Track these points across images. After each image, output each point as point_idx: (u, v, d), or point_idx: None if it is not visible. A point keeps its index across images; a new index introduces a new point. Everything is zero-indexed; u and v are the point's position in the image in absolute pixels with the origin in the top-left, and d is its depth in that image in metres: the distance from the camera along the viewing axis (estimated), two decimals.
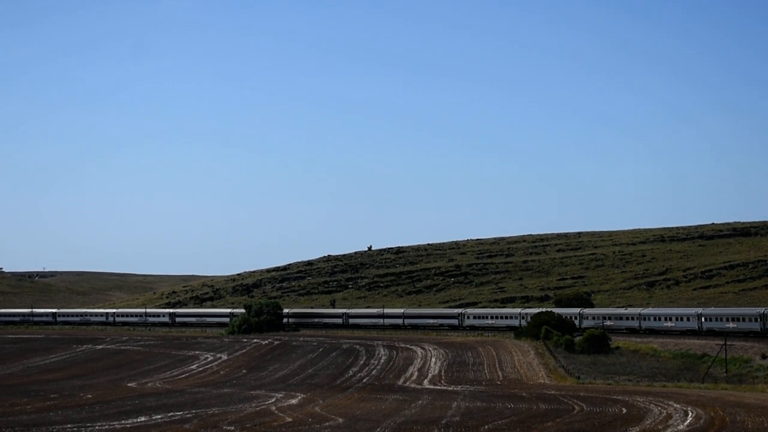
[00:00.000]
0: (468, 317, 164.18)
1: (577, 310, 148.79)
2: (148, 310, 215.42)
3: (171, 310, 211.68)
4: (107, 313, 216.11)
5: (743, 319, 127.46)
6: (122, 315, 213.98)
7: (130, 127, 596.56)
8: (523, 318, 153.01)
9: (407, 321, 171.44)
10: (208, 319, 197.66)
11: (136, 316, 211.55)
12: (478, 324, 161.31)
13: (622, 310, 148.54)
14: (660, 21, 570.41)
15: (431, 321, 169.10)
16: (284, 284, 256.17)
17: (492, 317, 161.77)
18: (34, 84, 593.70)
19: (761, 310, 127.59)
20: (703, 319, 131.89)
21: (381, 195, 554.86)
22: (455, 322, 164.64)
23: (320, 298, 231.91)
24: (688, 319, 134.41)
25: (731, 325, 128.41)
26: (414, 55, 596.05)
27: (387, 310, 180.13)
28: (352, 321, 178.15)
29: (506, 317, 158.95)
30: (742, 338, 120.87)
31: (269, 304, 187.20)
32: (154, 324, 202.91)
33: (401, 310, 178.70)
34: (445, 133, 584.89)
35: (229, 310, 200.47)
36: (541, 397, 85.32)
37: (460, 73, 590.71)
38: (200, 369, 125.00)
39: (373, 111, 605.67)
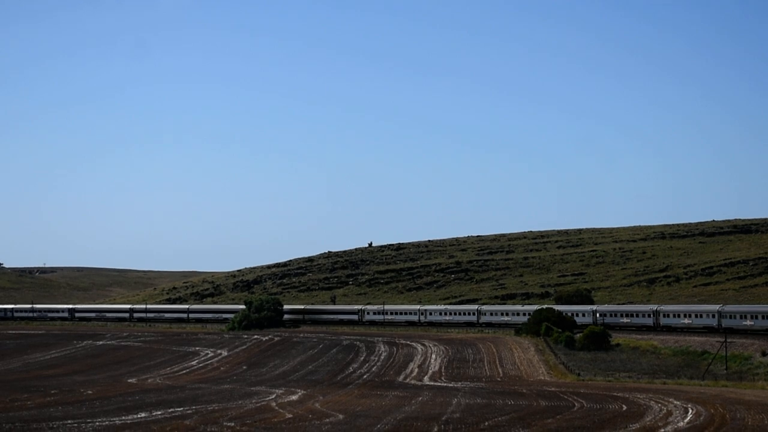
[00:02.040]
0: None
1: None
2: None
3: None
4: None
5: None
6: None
7: (131, 125, 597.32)
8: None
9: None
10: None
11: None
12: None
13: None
14: (660, 20, 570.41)
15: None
16: (285, 280, 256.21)
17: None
18: (34, 82, 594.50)
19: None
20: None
21: (381, 191, 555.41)
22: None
23: (320, 295, 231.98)
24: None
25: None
26: (415, 54, 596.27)
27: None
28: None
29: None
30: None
31: (269, 300, 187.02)
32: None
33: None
34: (446, 130, 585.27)
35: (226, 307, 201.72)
36: (542, 393, 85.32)
37: (461, 71, 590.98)
38: (201, 365, 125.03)
39: (373, 108, 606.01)
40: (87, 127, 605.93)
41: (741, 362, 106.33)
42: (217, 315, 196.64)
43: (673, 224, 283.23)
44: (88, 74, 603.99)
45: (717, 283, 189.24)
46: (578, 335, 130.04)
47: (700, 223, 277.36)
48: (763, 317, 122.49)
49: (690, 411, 70.01)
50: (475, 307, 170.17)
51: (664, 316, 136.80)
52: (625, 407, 73.09)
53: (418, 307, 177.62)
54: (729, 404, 73.36)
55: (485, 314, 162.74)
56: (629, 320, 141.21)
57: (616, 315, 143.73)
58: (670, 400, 77.38)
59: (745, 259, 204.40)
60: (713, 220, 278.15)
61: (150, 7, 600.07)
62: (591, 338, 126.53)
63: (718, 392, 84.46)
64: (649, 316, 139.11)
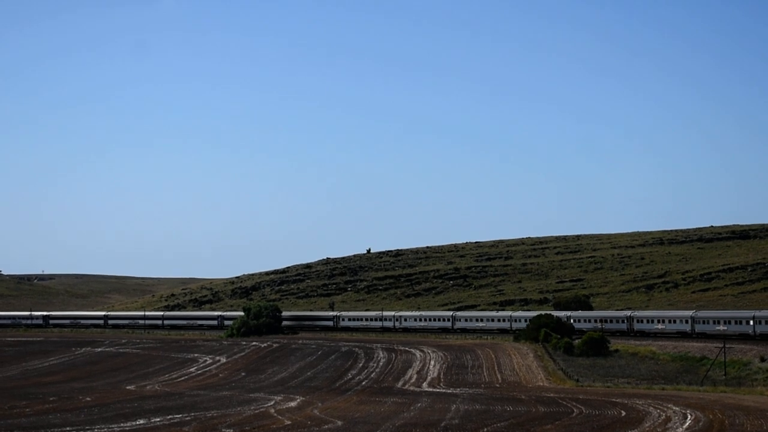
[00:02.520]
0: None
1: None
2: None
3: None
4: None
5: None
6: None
7: (129, 129, 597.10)
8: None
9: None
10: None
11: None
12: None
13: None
14: (660, 23, 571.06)
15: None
16: (283, 287, 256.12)
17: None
18: (33, 84, 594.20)
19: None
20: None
21: (380, 197, 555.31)
22: (449, 324, 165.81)
23: (319, 301, 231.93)
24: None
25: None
26: (413, 57, 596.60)
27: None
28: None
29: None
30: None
31: (268, 306, 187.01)
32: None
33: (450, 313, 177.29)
34: (445, 135, 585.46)
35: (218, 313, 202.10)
36: (540, 399, 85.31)
37: (460, 74, 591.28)
38: (199, 372, 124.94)
39: (372, 113, 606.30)
40: (85, 131, 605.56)
41: (740, 368, 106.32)
42: (192, 321, 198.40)
43: (671, 230, 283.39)
44: (87, 76, 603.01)
45: (715, 288, 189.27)
46: (577, 341, 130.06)
47: (699, 228, 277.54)
48: (735, 322, 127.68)
49: (689, 417, 70.02)
50: (449, 313, 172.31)
51: (637, 321, 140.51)
52: (624, 413, 73.09)
53: (392, 313, 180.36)
54: (728, 410, 73.37)
55: (460, 320, 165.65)
56: (601, 325, 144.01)
57: (589, 321, 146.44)
58: (669, 405, 77.39)
59: (744, 264, 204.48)
60: (711, 226, 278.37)
61: (150, 7, 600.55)
62: (590, 344, 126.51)
63: (717, 398, 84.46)
64: (622, 321, 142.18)
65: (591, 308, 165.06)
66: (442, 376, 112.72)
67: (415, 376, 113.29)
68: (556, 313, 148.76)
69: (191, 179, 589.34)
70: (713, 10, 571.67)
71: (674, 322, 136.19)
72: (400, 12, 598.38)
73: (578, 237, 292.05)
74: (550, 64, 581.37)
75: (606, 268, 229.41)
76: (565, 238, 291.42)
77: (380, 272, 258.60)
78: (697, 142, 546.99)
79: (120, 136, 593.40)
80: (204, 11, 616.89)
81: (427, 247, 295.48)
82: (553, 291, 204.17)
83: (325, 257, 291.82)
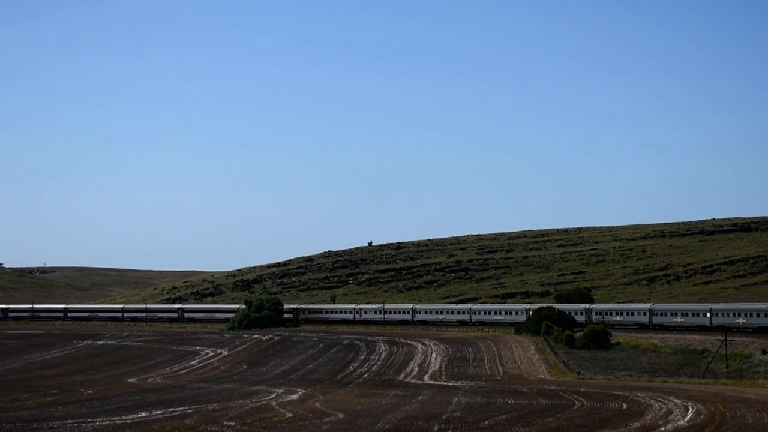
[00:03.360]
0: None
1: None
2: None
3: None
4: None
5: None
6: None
7: (131, 124, 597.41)
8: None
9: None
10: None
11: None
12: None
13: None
14: (661, 18, 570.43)
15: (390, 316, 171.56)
16: (285, 280, 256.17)
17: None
18: (34, 80, 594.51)
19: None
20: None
21: (381, 190, 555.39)
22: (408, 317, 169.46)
23: (321, 294, 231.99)
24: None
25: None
26: (415, 52, 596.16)
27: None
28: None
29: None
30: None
31: (269, 299, 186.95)
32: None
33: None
34: (446, 129, 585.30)
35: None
36: (542, 392, 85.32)
37: (461, 69, 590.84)
38: (201, 364, 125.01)
39: (373, 107, 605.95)
40: (86, 126, 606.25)
41: (741, 360, 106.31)
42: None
43: (672, 223, 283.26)
44: (88, 72, 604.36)
45: (717, 281, 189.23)
46: (578, 334, 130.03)
47: (700, 221, 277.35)
48: (684, 314, 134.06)
49: (690, 409, 70.01)
50: (410, 305, 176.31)
51: (596, 313, 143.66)
52: (625, 406, 73.09)
53: (352, 306, 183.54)
54: (729, 402, 73.35)
55: (419, 312, 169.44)
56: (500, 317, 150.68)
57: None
58: (671, 398, 77.38)
59: (745, 257, 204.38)
60: (713, 219, 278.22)
61: (150, 5, 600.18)
62: (591, 337, 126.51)
63: (719, 390, 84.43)
64: (581, 313, 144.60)
65: (593, 301, 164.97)
66: (443, 369, 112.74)
67: (416, 369, 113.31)
68: (558, 306, 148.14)
69: (193, 173, 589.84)
70: (713, 6, 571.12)
71: (632, 314, 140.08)
72: (402, 8, 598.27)
73: (580, 230, 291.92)
74: (550, 60, 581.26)
75: (607, 261, 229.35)
76: (566, 231, 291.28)
77: (382, 265, 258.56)
78: (698, 135, 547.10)
79: (121, 131, 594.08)
80: (203, 9, 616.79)
81: (429, 240, 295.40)
82: (555, 284, 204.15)
83: (326, 250, 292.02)
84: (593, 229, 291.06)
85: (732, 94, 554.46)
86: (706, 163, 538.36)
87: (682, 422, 63.91)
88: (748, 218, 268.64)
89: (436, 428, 61.64)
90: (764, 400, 74.65)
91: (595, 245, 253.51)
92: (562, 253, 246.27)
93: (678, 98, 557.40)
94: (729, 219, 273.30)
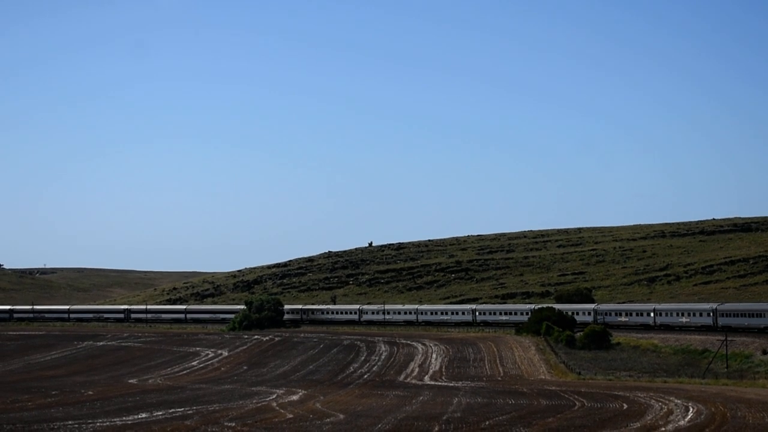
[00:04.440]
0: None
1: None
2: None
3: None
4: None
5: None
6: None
7: (131, 125, 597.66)
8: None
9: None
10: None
11: None
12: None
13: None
14: (660, 18, 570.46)
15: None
16: (285, 280, 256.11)
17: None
18: (34, 81, 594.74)
19: None
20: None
21: (382, 191, 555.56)
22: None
23: (321, 294, 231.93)
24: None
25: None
26: (414, 52, 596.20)
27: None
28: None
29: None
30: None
31: (270, 300, 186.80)
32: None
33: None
34: (446, 129, 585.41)
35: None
36: (542, 392, 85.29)
37: (460, 70, 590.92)
38: (201, 365, 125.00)
39: (373, 108, 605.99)
40: (87, 127, 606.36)
41: (742, 361, 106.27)
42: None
43: (673, 223, 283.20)
44: (88, 73, 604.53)
45: (717, 281, 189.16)
46: (579, 334, 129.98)
47: (701, 221, 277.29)
48: (636, 314, 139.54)
49: (691, 409, 69.99)
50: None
51: (599, 314, 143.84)
52: (625, 406, 73.06)
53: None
54: (730, 402, 73.32)
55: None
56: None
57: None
58: (671, 398, 77.35)
59: (746, 257, 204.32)
60: (713, 219, 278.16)
61: (150, 6, 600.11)
62: (591, 337, 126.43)
63: (719, 391, 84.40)
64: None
65: (593, 301, 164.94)
66: (444, 370, 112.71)
67: (417, 370, 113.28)
68: (556, 306, 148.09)
69: (193, 173, 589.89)
70: (712, 5, 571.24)
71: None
72: (403, 9, 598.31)
73: (580, 230, 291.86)
74: (549, 60, 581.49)
75: (608, 261, 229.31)
76: (566, 231, 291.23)
77: (382, 265, 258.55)
78: (698, 135, 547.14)
79: (121, 132, 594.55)
80: (203, 10, 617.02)
81: (429, 241, 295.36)
82: (555, 284, 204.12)
83: (326, 251, 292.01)
84: (593, 229, 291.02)
85: (732, 94, 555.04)
86: (706, 163, 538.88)
87: (682, 422, 63.88)
88: (749, 218, 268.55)
89: (436, 429, 61.62)
90: (765, 400, 74.61)
91: (596, 245, 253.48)
92: (562, 254, 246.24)
93: (678, 98, 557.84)
94: (729, 219, 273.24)
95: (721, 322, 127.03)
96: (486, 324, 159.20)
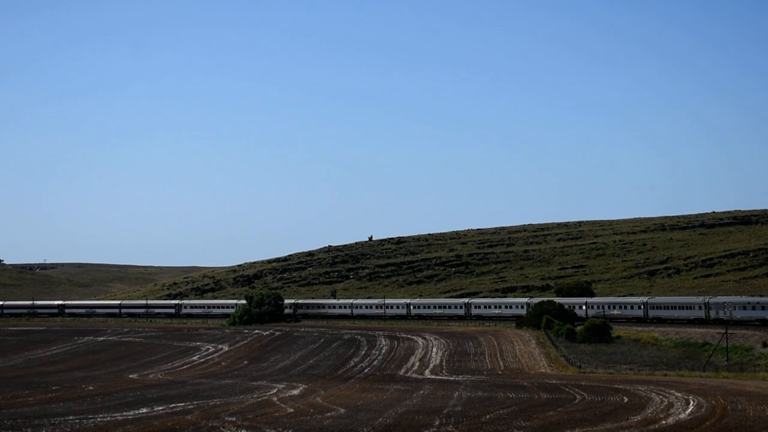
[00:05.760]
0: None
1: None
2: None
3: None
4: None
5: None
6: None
7: (130, 120, 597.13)
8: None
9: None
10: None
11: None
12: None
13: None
14: (660, 12, 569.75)
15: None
16: (285, 275, 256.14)
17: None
18: (34, 78, 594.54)
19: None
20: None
21: (381, 185, 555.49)
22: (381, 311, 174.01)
23: (321, 289, 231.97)
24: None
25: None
26: (414, 47, 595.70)
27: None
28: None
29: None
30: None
31: (270, 295, 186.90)
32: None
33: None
34: (446, 123, 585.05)
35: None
36: (543, 386, 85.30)
37: (460, 64, 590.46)
38: (202, 360, 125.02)
39: (373, 102, 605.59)
40: (87, 123, 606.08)
41: (742, 353, 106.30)
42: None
43: (673, 216, 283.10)
44: (89, 70, 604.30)
45: (717, 274, 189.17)
46: (579, 327, 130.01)
47: (701, 214, 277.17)
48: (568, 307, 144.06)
49: (691, 402, 69.97)
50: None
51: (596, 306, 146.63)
52: (626, 399, 73.06)
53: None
54: (730, 395, 73.32)
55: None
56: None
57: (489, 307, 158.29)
58: (671, 391, 77.35)
59: (746, 250, 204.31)
60: (713, 212, 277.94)
61: (149, 3, 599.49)
62: (592, 331, 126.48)
63: (719, 383, 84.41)
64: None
65: (593, 294, 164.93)
66: (444, 364, 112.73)
67: (417, 364, 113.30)
68: (555, 301, 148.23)
69: (193, 169, 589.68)
70: (712, 0, 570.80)
71: (632, 308, 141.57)
72: (403, 4, 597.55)
73: (580, 223, 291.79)
74: (549, 55, 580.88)
75: (608, 255, 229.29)
76: (566, 225, 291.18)
77: (382, 260, 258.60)
78: (698, 129, 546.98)
79: (121, 127, 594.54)
80: (203, 6, 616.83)
81: (429, 235, 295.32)
82: (555, 278, 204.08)
83: (326, 245, 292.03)
84: (593, 222, 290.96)
85: (731, 87, 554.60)
86: (706, 157, 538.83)
87: (683, 415, 63.86)
88: (748, 211, 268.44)
89: (437, 423, 61.60)
90: (765, 393, 74.62)
91: (596, 239, 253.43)
92: (562, 247, 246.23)
93: (677, 92, 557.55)
94: (729, 212, 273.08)
95: (651, 314, 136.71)
96: (480, 318, 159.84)
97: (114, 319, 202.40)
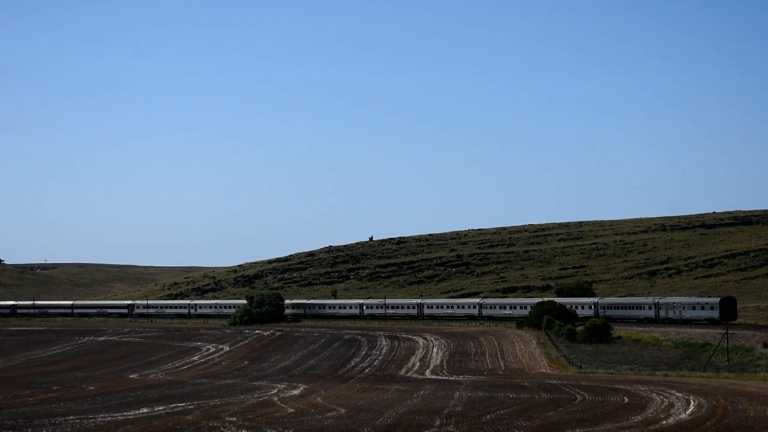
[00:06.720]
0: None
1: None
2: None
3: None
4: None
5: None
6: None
7: (130, 120, 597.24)
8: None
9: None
10: None
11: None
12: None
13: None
14: (660, 12, 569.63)
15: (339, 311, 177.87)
16: (286, 275, 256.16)
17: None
18: (34, 78, 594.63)
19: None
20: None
21: (382, 185, 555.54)
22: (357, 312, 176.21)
23: (322, 289, 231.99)
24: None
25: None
26: (415, 47, 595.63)
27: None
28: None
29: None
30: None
31: (270, 295, 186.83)
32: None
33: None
34: (447, 123, 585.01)
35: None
36: (543, 386, 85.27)
37: (460, 64, 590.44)
38: (202, 360, 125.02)
39: (373, 102, 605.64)
40: (87, 123, 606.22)
41: (743, 354, 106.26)
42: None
43: (673, 216, 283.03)
44: (89, 70, 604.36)
45: (718, 274, 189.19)
46: (579, 328, 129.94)
47: (701, 214, 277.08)
48: (510, 307, 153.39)
49: (692, 403, 69.96)
50: (359, 301, 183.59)
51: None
52: (626, 399, 73.05)
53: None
54: (731, 396, 73.30)
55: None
56: (451, 311, 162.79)
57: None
58: (672, 392, 77.33)
59: (746, 250, 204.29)
60: (714, 212, 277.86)
61: (149, 3, 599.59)
62: (592, 331, 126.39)
63: (720, 384, 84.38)
64: (473, 307, 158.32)
65: (594, 294, 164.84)
66: (445, 364, 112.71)
67: (418, 364, 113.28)
68: (558, 300, 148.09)
69: (193, 169, 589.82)
70: (712, 1, 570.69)
71: (583, 308, 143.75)
72: (403, 4, 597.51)
73: (580, 224, 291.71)
74: (549, 55, 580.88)
75: (608, 255, 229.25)
76: (567, 225, 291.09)
77: (383, 260, 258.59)
78: (698, 129, 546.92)
79: (121, 128, 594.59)
80: (203, 6, 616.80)
81: (430, 235, 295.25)
82: (556, 278, 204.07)
83: (327, 245, 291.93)
84: (594, 223, 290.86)
85: (731, 87, 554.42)
86: (707, 157, 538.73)
87: (683, 416, 63.86)
88: (749, 211, 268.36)
89: (437, 423, 61.60)
90: (765, 393, 74.60)
91: (596, 239, 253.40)
92: (563, 248, 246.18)
93: (677, 92, 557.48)
94: (730, 212, 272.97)
95: (601, 314, 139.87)
96: (492, 318, 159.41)
97: (123, 320, 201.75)
